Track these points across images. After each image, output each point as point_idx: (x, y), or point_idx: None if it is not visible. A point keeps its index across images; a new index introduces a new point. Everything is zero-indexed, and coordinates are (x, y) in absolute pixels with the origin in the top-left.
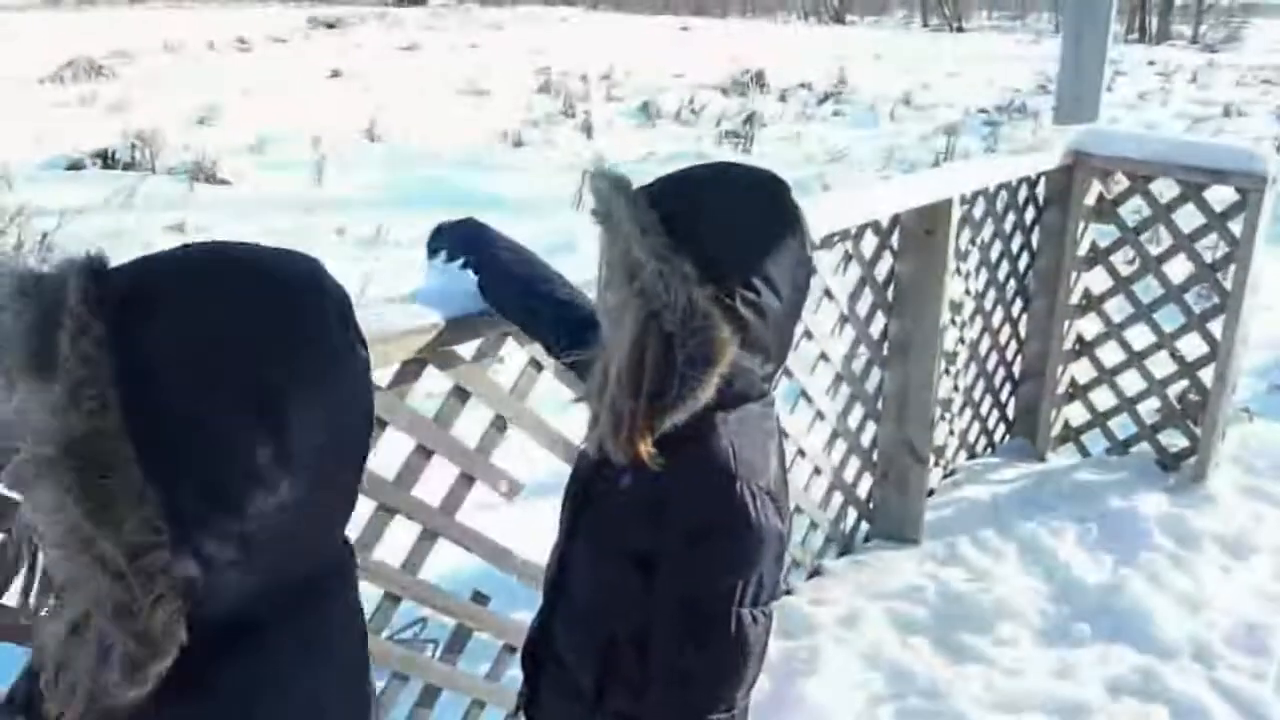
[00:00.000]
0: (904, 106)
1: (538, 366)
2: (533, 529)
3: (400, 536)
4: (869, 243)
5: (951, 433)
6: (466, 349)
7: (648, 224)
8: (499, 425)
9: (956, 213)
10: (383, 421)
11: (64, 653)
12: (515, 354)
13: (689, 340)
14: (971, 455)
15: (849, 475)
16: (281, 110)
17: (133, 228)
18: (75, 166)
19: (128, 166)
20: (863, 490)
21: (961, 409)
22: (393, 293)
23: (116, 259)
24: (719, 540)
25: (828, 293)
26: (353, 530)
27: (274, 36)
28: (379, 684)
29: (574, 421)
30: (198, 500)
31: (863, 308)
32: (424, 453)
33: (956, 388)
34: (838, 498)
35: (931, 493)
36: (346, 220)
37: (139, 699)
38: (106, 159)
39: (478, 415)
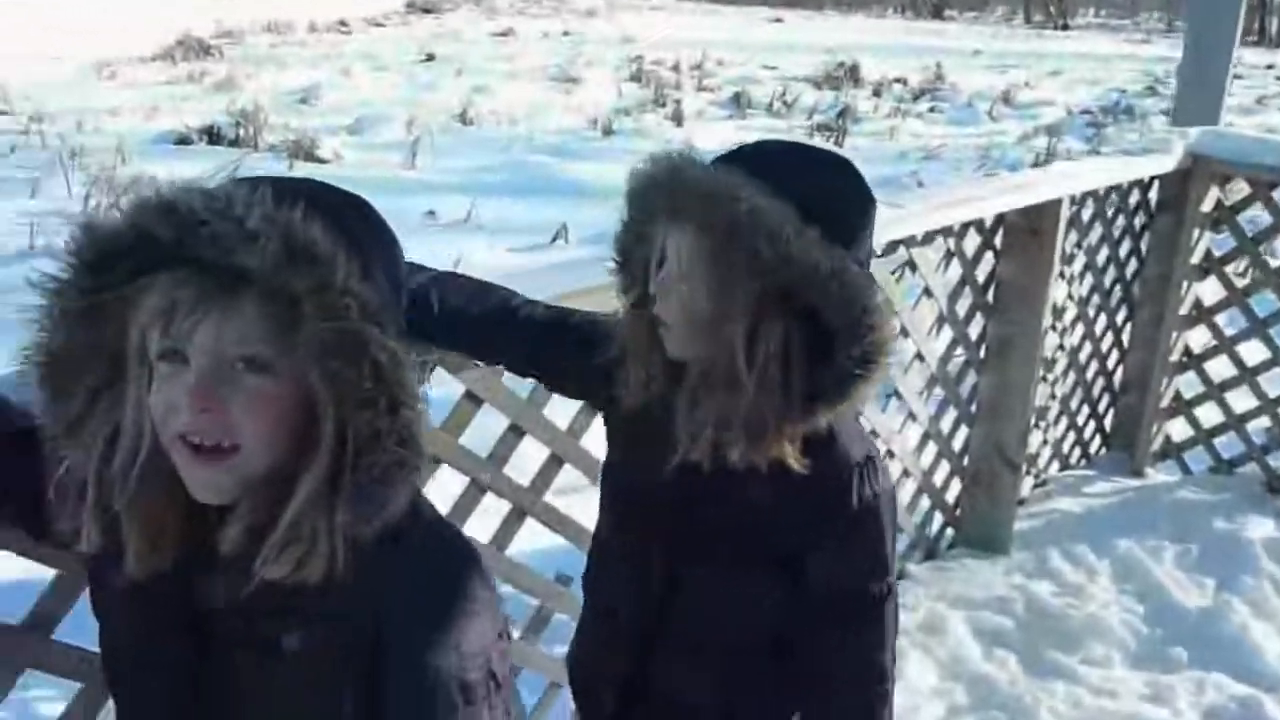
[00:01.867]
0: (1003, 105)
1: None
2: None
3: (490, 514)
4: (971, 241)
5: (1045, 441)
6: None
7: (770, 207)
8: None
9: (1065, 214)
10: (477, 399)
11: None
12: None
13: (858, 338)
14: (1065, 466)
15: (938, 479)
16: (378, 92)
17: None
18: (183, 141)
19: (232, 143)
20: (950, 495)
21: (1057, 417)
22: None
23: None
24: (877, 519)
25: (927, 291)
26: (444, 505)
27: (372, 19)
28: None
29: None
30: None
31: (962, 308)
32: (517, 432)
33: (1053, 395)
34: (925, 501)
35: (1022, 502)
36: (437, 203)
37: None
38: (212, 135)
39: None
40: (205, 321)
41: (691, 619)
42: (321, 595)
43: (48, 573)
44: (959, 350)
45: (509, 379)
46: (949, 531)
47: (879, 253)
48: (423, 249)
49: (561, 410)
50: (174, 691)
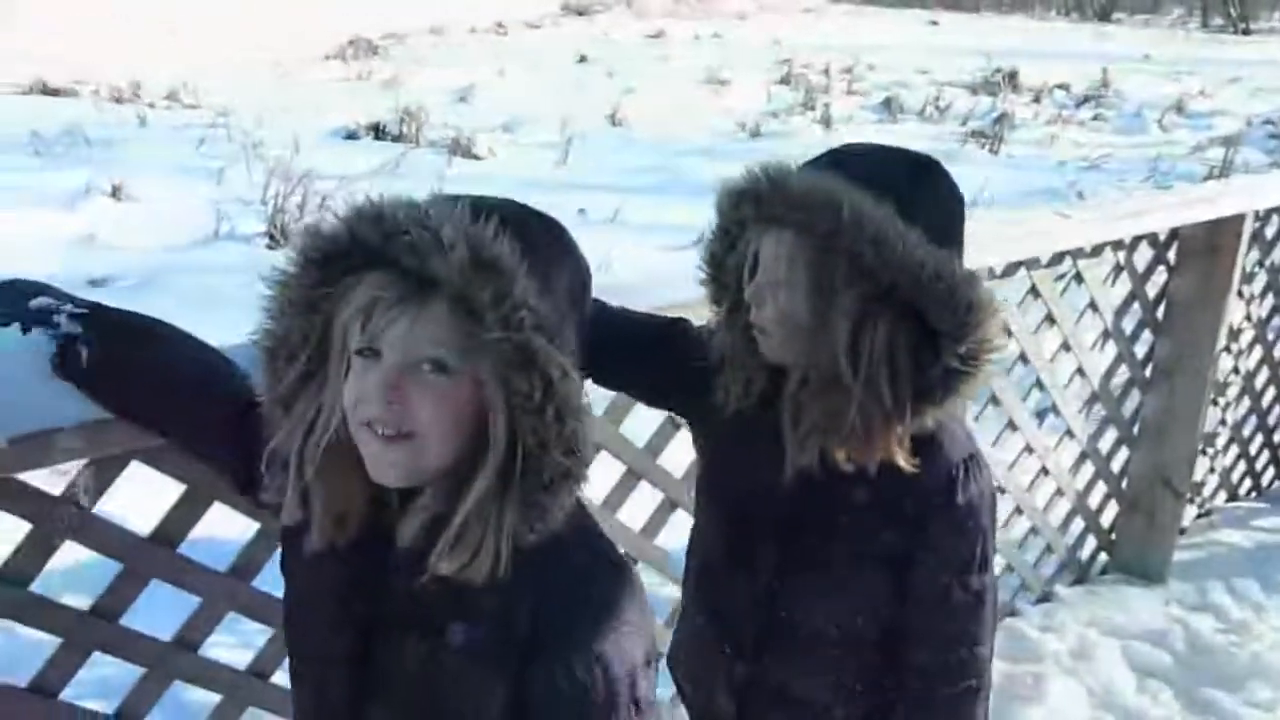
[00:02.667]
0: (1175, 114)
1: None
2: None
3: (643, 502)
4: (1142, 255)
5: (1212, 469)
6: None
7: (875, 210)
8: None
9: (1248, 230)
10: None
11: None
12: None
13: (964, 337)
14: (1233, 497)
15: (1093, 501)
16: (531, 92)
17: (395, 193)
18: (351, 136)
19: (395, 139)
20: (1106, 519)
21: (1227, 445)
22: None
23: None
24: (978, 518)
25: (1092, 305)
26: (600, 491)
27: (529, 22)
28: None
29: None
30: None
31: (1129, 324)
32: (674, 423)
33: (1224, 421)
34: (1078, 523)
35: (1183, 531)
36: (587, 201)
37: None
38: (378, 131)
39: None
40: (399, 321)
41: (802, 618)
42: (486, 594)
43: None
44: (1123, 369)
45: None
46: (1102, 556)
47: (1044, 263)
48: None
49: None
50: (349, 663)
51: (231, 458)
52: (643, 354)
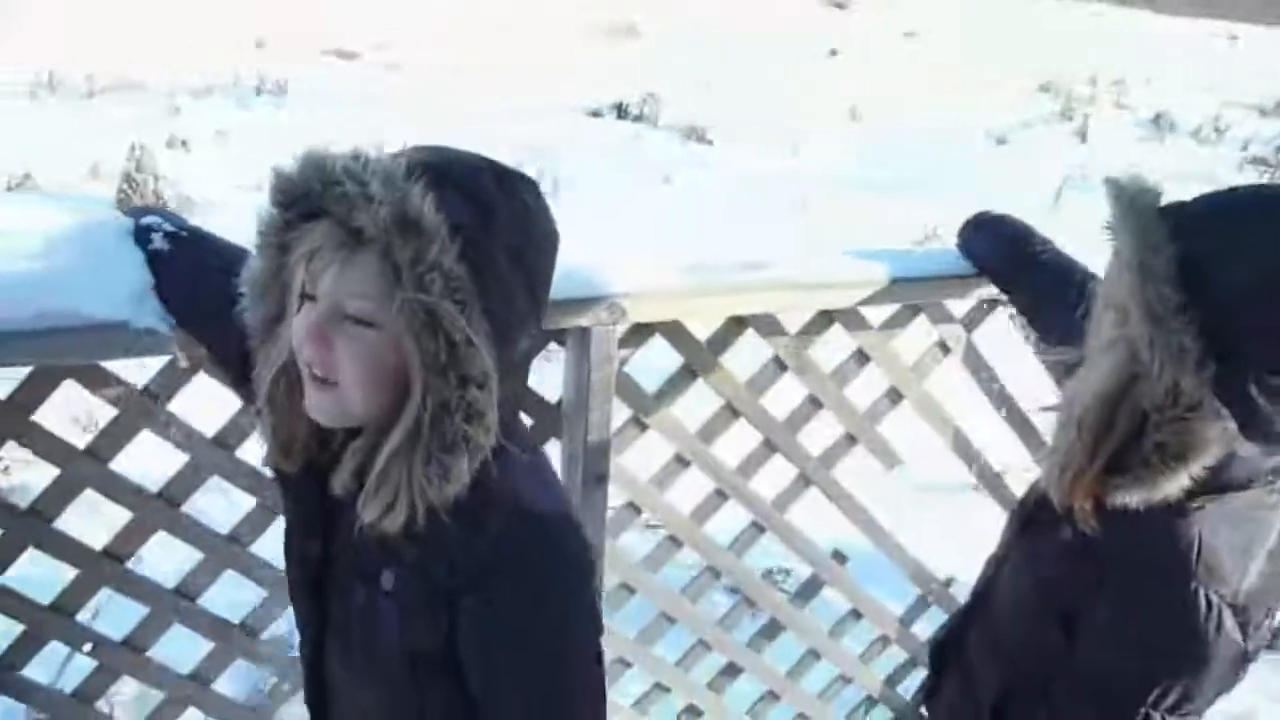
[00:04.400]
0: None
1: (944, 349)
2: (899, 505)
3: (778, 476)
4: None
5: None
6: (875, 315)
7: (1155, 265)
8: (892, 397)
9: None
10: (782, 365)
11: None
12: (926, 332)
13: (1164, 426)
14: None
15: None
16: (775, 83)
17: (627, 173)
18: (595, 114)
19: (636, 119)
20: None
21: None
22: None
23: (615, 199)
24: (1151, 634)
25: None
26: (738, 456)
27: (786, 11)
28: (727, 602)
29: (977, 417)
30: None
31: None
32: (814, 403)
33: None
34: None
35: None
36: (813, 193)
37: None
38: (620, 111)
39: (872, 379)
40: (329, 269)
41: (996, 609)
42: (408, 544)
43: None
44: None
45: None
46: None
47: None
48: (788, 234)
49: (862, 392)
50: (309, 598)
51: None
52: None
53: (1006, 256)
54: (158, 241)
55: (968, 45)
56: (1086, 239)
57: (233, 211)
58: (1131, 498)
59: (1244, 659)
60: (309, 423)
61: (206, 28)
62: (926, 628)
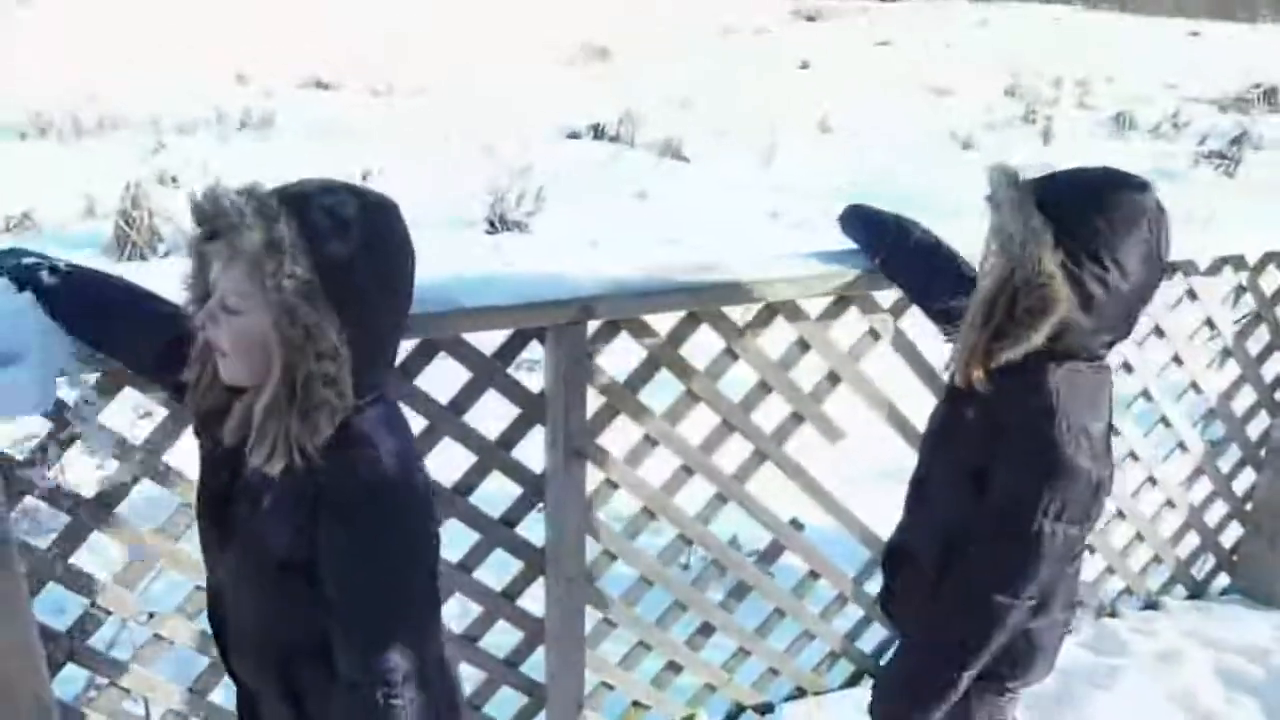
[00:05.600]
0: None
1: (875, 335)
2: (846, 476)
3: (735, 452)
4: (1273, 277)
5: None
6: (813, 307)
7: (1024, 204)
8: (831, 379)
9: None
10: (734, 355)
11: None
12: (857, 322)
13: (1030, 293)
14: None
15: (1211, 519)
16: (749, 96)
17: (605, 191)
18: (573, 135)
19: (613, 139)
20: (1228, 540)
21: None
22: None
23: (587, 215)
24: (1038, 460)
25: (1209, 323)
26: (700, 435)
27: (757, 26)
28: (694, 563)
29: (902, 393)
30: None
31: (1254, 346)
32: (764, 388)
33: None
34: (1193, 538)
35: None
36: (782, 204)
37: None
38: (597, 131)
39: (814, 365)
40: (219, 275)
41: (932, 504)
42: (285, 478)
43: None
44: (1248, 389)
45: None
46: (1224, 577)
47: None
48: (762, 243)
49: (805, 375)
50: (213, 524)
51: (161, 369)
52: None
53: (887, 244)
54: (46, 278)
55: (937, 54)
56: None
57: None
58: (1009, 353)
59: (1094, 480)
60: (217, 379)
61: (187, 64)
62: (878, 587)
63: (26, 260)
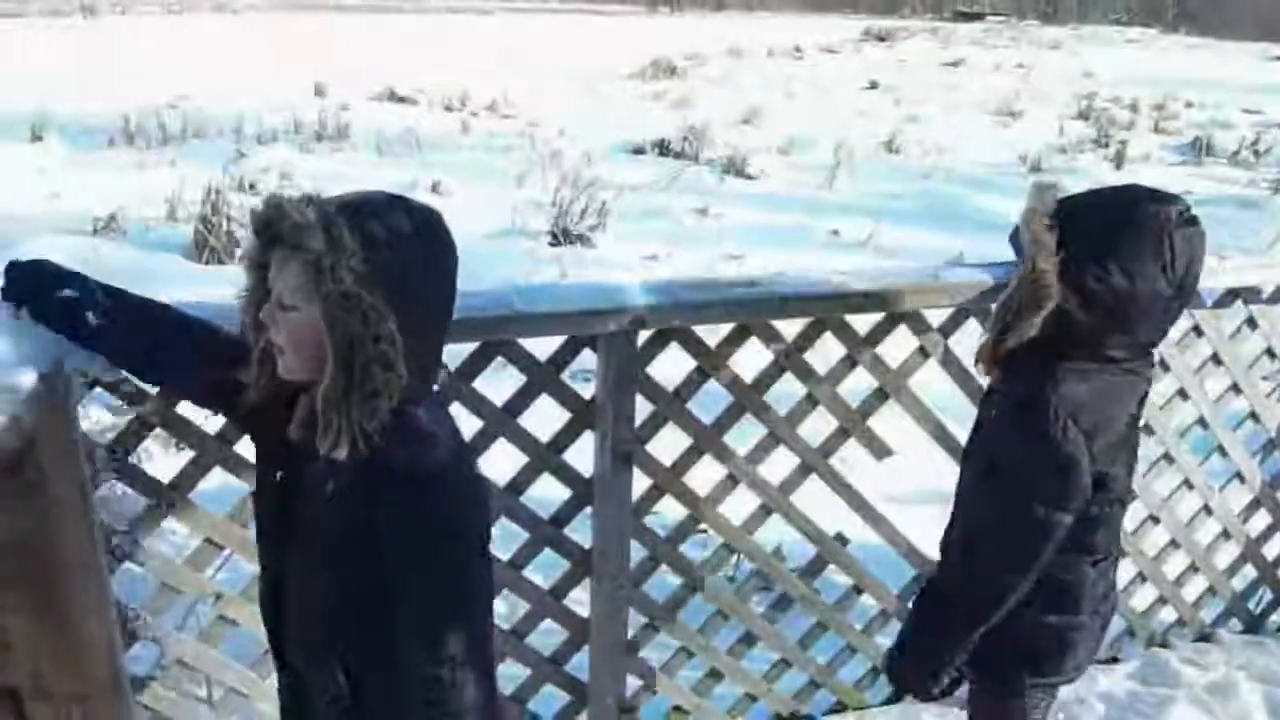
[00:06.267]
0: None
1: (924, 353)
2: (893, 494)
3: (781, 464)
4: None
5: None
6: (863, 325)
7: (1032, 215)
8: (879, 395)
9: None
10: (782, 368)
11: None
12: (906, 339)
13: (1026, 289)
14: None
15: (1270, 552)
16: (815, 116)
17: (667, 205)
18: (638, 151)
19: (677, 155)
20: None
21: None
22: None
23: (649, 231)
24: (1023, 437)
25: (1270, 352)
26: (746, 445)
27: (826, 47)
28: (739, 573)
29: (949, 409)
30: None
31: None
32: (810, 401)
33: None
34: (1249, 571)
35: None
36: (844, 223)
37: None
38: (662, 147)
39: (864, 381)
40: (277, 276)
41: (960, 501)
42: (348, 464)
43: None
44: None
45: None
46: None
47: (1208, 303)
48: (815, 261)
49: (851, 389)
50: (275, 515)
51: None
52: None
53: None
54: (91, 319)
55: (1008, 74)
56: None
57: None
58: (1011, 344)
59: (1071, 464)
60: (275, 378)
61: (268, 76)
62: None
63: (65, 293)
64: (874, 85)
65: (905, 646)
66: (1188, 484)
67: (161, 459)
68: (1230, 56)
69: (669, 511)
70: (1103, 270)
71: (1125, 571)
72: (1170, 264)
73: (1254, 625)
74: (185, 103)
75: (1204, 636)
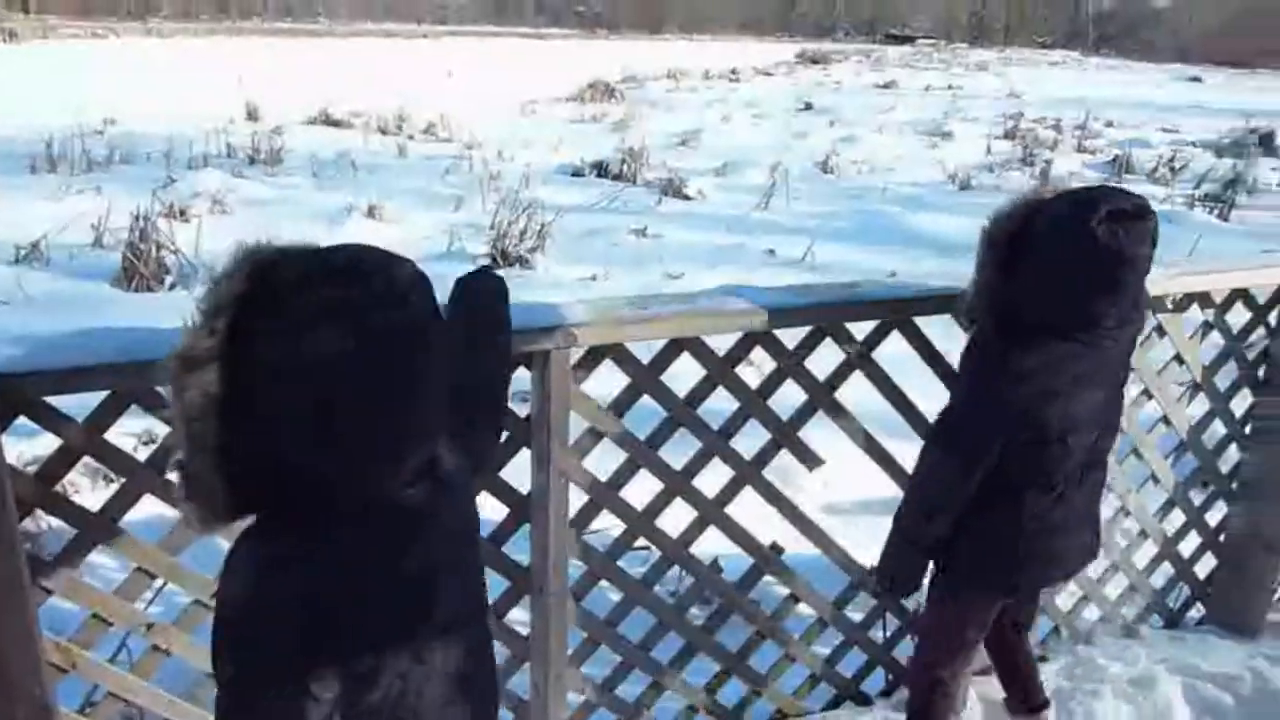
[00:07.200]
0: None
1: (850, 367)
2: (829, 504)
3: (715, 478)
4: (1240, 314)
5: None
6: (790, 338)
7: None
8: (809, 407)
9: None
10: (713, 383)
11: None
12: (833, 353)
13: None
14: None
15: (1185, 550)
16: (752, 138)
17: (606, 227)
18: (577, 173)
19: (616, 177)
20: (1202, 570)
21: None
22: None
23: (588, 252)
24: (973, 382)
25: (1178, 358)
26: (682, 459)
27: (762, 69)
28: (677, 586)
29: (881, 423)
30: None
31: (1224, 381)
32: (742, 415)
33: None
34: (1167, 569)
35: None
36: (779, 243)
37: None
38: (601, 169)
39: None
40: None
41: None
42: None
43: None
44: (1218, 424)
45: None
46: (1199, 608)
47: None
48: (755, 280)
49: (783, 402)
50: None
51: None
52: None
53: None
54: None
55: (938, 96)
56: None
57: None
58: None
59: (1003, 403)
60: None
61: (199, 100)
62: (858, 612)
63: None
64: (809, 107)
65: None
66: (1107, 487)
67: (89, 493)
68: (1147, 78)
69: (607, 527)
70: (1038, 269)
71: None
72: (1095, 255)
73: (1173, 621)
74: (112, 128)
75: (1128, 633)
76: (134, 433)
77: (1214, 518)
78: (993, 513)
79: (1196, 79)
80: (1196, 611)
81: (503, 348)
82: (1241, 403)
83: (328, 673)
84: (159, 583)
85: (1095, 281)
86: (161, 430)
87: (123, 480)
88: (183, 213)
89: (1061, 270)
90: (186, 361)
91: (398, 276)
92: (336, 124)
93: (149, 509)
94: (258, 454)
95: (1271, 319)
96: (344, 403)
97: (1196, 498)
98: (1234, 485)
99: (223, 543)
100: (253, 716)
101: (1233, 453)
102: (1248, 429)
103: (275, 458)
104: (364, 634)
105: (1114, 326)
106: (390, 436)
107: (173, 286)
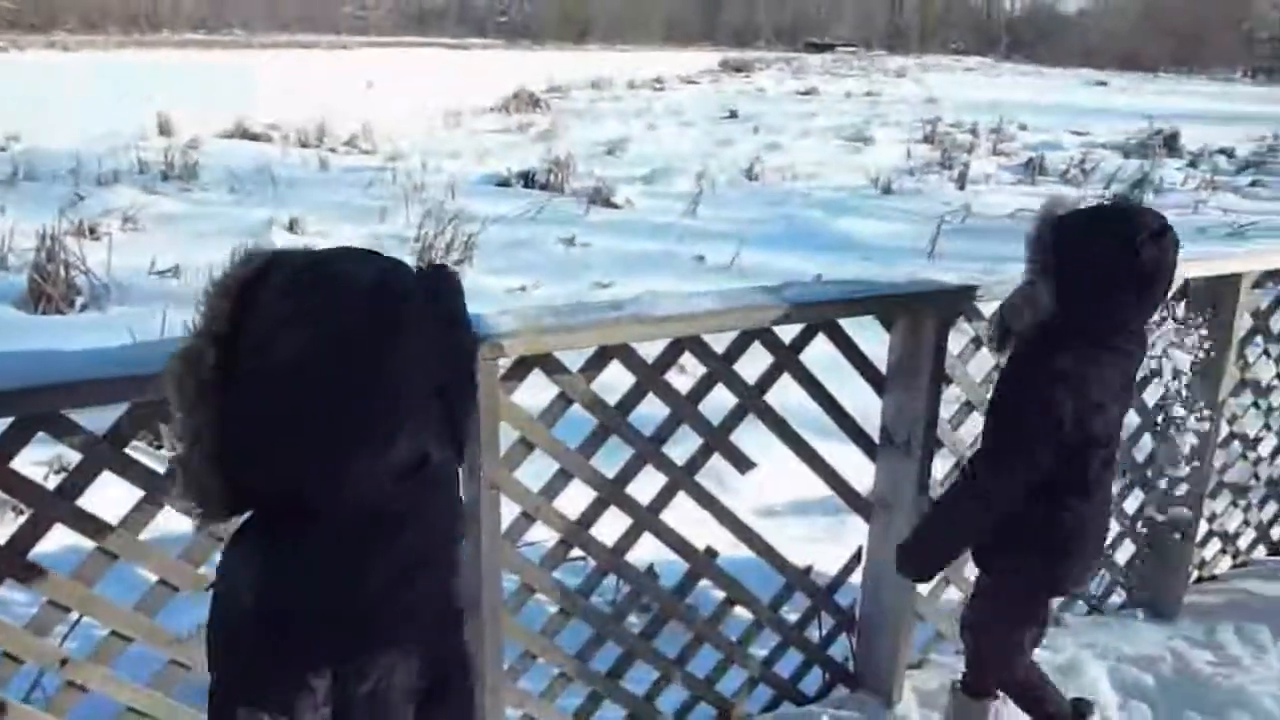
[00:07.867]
0: None
1: (779, 369)
2: (763, 507)
3: (648, 484)
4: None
5: (1248, 522)
6: (719, 343)
7: (1042, 231)
8: (739, 411)
9: (1246, 291)
10: (644, 390)
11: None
12: (762, 357)
13: (1019, 295)
14: (1275, 551)
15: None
16: (677, 146)
17: (534, 237)
18: (503, 184)
19: (543, 187)
20: (1121, 557)
21: (1264, 500)
22: None
23: (516, 262)
24: (1028, 395)
25: None
26: (614, 467)
27: (686, 78)
28: (614, 595)
29: (815, 427)
30: None
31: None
32: (675, 420)
33: (1257, 476)
34: None
35: (1214, 578)
36: (708, 249)
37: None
38: (527, 179)
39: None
40: None
41: None
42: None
43: None
44: (1132, 414)
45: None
46: (1121, 594)
47: None
48: (687, 287)
49: (714, 407)
50: None
51: None
52: None
53: None
54: None
55: (858, 102)
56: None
57: (144, 296)
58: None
59: (1059, 428)
60: None
61: (108, 115)
62: (794, 613)
63: None
64: (734, 114)
65: (916, 537)
66: None
67: None
68: (1058, 82)
69: (541, 539)
70: (1077, 281)
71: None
72: (1129, 271)
73: (1096, 608)
74: (15, 145)
75: (1054, 620)
76: (44, 460)
77: (1130, 506)
78: (1037, 515)
79: (1103, 83)
80: (1118, 597)
81: (469, 342)
82: (1153, 394)
83: (320, 664)
84: (74, 616)
85: (1140, 294)
86: (73, 458)
87: (31, 511)
88: (93, 231)
89: (1108, 283)
90: (186, 361)
91: (369, 277)
92: (254, 137)
93: (61, 539)
94: (248, 452)
95: (1178, 313)
96: (317, 406)
97: (1114, 486)
98: (1148, 474)
99: (141, 573)
100: (246, 707)
101: (1147, 442)
102: (1159, 420)
103: (263, 456)
104: (356, 628)
105: (1139, 333)
106: (368, 436)
107: (84, 308)
